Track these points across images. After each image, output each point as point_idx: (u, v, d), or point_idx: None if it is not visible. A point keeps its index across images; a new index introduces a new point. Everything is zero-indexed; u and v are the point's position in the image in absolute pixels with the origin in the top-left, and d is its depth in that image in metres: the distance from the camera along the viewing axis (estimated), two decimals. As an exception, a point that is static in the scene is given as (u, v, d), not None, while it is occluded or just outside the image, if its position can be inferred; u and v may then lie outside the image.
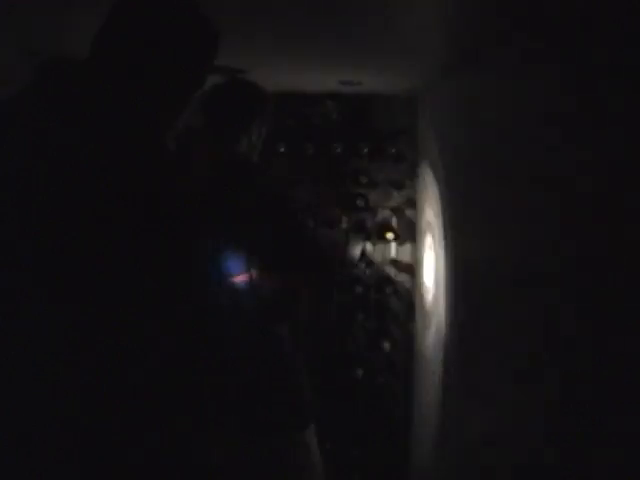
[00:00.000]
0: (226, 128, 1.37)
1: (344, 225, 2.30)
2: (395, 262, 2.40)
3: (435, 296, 2.00)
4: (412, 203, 2.31)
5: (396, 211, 2.32)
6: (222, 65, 1.57)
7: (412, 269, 2.33)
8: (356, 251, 2.27)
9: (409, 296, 2.32)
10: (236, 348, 1.03)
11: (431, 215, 2.04)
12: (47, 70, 0.81)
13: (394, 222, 2.33)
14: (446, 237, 1.82)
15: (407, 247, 2.35)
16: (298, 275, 1.23)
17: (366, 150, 2.23)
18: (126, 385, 0.75)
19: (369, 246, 2.33)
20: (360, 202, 2.24)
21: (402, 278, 2.34)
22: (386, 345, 2.16)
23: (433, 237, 2.04)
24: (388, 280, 2.31)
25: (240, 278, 1.13)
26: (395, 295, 2.31)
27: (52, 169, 0.72)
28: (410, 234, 2.33)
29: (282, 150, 2.22)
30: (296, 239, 1.27)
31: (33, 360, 0.72)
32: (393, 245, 2.39)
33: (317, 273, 1.29)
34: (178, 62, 0.86)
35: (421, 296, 2.23)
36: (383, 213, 2.33)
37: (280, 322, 1.32)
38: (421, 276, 2.24)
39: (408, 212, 2.32)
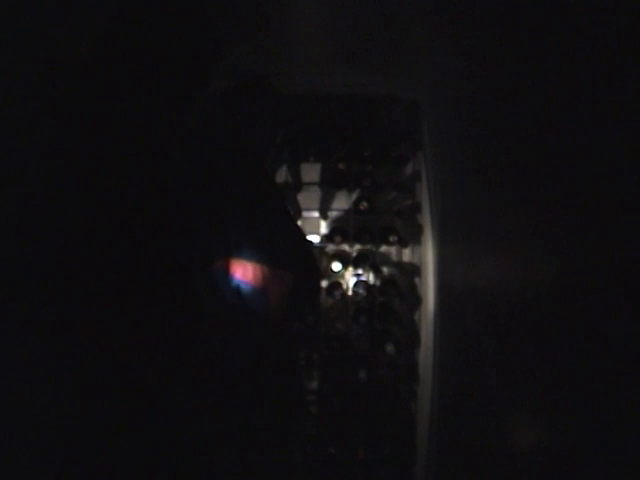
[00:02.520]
0: (240, 125, 1.37)
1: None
2: (399, 265, 2.40)
3: (438, 299, 2.01)
4: (416, 206, 2.31)
5: (400, 214, 2.32)
6: (238, 69, 1.58)
7: (416, 272, 2.34)
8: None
9: (413, 298, 2.33)
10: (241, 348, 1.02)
11: (434, 218, 2.05)
12: (50, 71, 0.81)
13: (398, 225, 2.33)
14: (448, 239, 1.82)
15: (411, 250, 2.36)
16: (285, 272, 1.15)
17: (369, 153, 2.24)
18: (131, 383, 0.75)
19: (373, 249, 2.34)
20: (363, 205, 2.25)
21: (406, 281, 2.35)
22: (390, 347, 2.16)
23: (436, 239, 2.04)
24: (392, 283, 2.32)
25: (222, 264, 1.03)
26: (399, 298, 2.31)
27: (53, 169, 0.72)
28: (414, 237, 2.34)
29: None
30: (290, 236, 1.20)
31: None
32: (397, 248, 2.40)
33: (304, 274, 1.21)
34: (181, 63, 0.87)
35: (425, 298, 2.24)
36: (387, 216, 2.34)
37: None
38: (425, 279, 2.25)
39: (412, 215, 2.32)
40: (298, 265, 1.14)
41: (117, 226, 0.75)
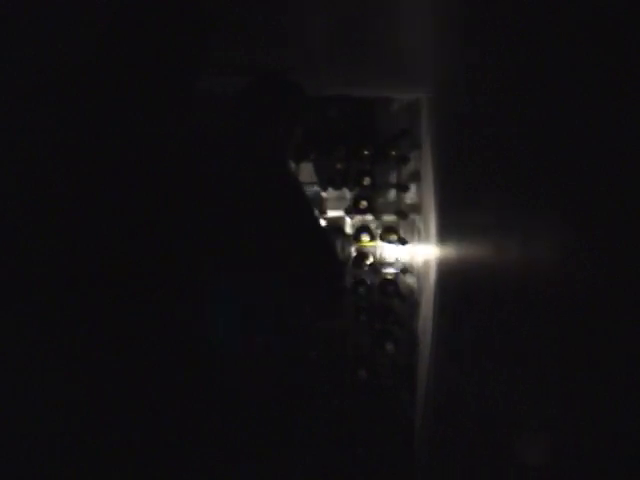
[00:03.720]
0: (261, 122, 1.34)
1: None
2: (399, 264, 2.40)
3: (438, 298, 2.01)
4: (415, 205, 2.31)
5: (400, 213, 2.32)
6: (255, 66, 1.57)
7: (416, 271, 2.34)
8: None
9: (413, 297, 2.33)
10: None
11: (434, 217, 2.05)
12: (51, 70, 0.82)
13: (397, 224, 2.33)
14: (448, 238, 1.82)
15: (410, 249, 2.36)
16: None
17: (369, 152, 2.23)
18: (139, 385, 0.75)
19: (373, 248, 2.34)
20: (363, 204, 2.25)
21: (405, 280, 2.35)
22: (389, 346, 2.16)
23: (436, 238, 2.05)
24: (391, 282, 2.32)
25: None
26: (398, 297, 2.31)
27: (54, 170, 0.72)
28: (413, 236, 2.34)
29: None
30: (313, 239, 1.14)
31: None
32: (396, 247, 2.40)
33: (328, 274, 1.16)
34: (172, 57, 0.86)
35: (425, 298, 2.24)
36: (386, 215, 2.34)
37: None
38: (425, 277, 2.25)
39: (411, 214, 2.33)
40: (322, 264, 1.09)
41: (120, 232, 0.75)
